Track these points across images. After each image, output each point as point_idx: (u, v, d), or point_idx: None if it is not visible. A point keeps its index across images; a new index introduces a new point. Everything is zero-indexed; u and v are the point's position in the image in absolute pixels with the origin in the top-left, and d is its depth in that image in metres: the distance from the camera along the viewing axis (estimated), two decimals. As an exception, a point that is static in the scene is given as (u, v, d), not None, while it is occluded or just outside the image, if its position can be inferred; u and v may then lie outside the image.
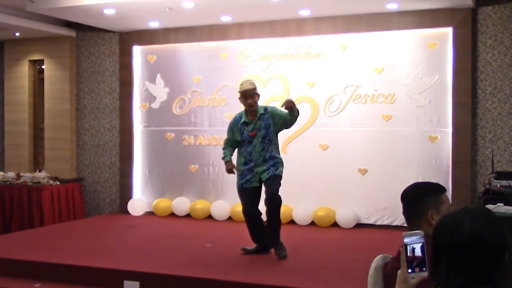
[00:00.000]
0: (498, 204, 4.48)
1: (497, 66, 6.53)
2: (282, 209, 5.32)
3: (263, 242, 5.40)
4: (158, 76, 7.97)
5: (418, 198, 2.29)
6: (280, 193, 5.24)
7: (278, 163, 5.33)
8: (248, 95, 5.30)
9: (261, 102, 7.23)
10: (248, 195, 5.34)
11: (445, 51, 6.65)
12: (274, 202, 5.21)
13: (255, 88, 5.34)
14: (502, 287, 1.51)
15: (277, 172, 5.30)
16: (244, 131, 5.35)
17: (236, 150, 5.50)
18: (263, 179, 5.29)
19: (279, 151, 5.44)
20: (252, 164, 5.30)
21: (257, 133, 5.30)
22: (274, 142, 5.36)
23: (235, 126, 5.41)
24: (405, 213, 2.33)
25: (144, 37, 8.00)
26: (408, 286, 1.61)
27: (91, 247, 5.77)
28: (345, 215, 6.89)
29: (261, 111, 5.37)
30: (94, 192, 8.41)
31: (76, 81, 8.49)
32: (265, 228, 5.37)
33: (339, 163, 7.01)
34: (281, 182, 5.34)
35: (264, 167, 5.27)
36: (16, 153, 8.76)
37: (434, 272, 1.58)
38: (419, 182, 2.53)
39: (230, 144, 5.49)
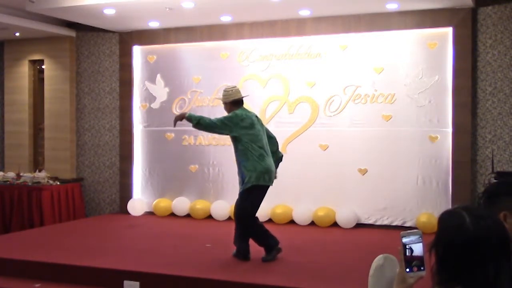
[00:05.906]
0: (498, 204, 4.46)
1: (497, 66, 6.53)
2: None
3: (260, 242, 5.31)
4: (158, 76, 7.97)
5: (494, 195, 2.08)
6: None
7: (244, 174, 5.09)
8: None
9: (261, 102, 7.32)
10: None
11: (445, 51, 6.65)
12: (237, 222, 5.19)
13: (223, 97, 5.24)
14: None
15: (245, 187, 5.07)
16: None
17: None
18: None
19: (247, 157, 5.06)
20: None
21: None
22: (238, 149, 5.14)
23: None
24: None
25: (144, 37, 8.00)
26: (406, 285, 1.62)
27: (91, 247, 5.77)
28: (345, 215, 6.88)
29: None
30: (94, 192, 8.41)
31: (76, 81, 8.49)
32: (262, 228, 5.32)
33: (339, 163, 7.01)
34: (260, 192, 5.11)
35: (239, 178, 5.21)
36: (16, 153, 8.76)
37: (438, 270, 1.58)
38: (508, 180, 2.36)
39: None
